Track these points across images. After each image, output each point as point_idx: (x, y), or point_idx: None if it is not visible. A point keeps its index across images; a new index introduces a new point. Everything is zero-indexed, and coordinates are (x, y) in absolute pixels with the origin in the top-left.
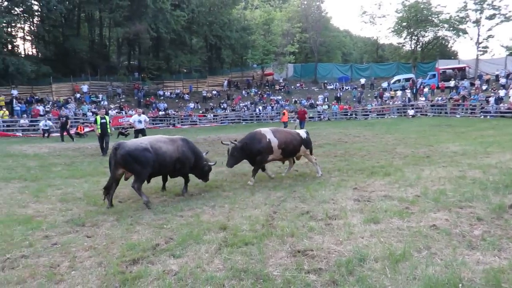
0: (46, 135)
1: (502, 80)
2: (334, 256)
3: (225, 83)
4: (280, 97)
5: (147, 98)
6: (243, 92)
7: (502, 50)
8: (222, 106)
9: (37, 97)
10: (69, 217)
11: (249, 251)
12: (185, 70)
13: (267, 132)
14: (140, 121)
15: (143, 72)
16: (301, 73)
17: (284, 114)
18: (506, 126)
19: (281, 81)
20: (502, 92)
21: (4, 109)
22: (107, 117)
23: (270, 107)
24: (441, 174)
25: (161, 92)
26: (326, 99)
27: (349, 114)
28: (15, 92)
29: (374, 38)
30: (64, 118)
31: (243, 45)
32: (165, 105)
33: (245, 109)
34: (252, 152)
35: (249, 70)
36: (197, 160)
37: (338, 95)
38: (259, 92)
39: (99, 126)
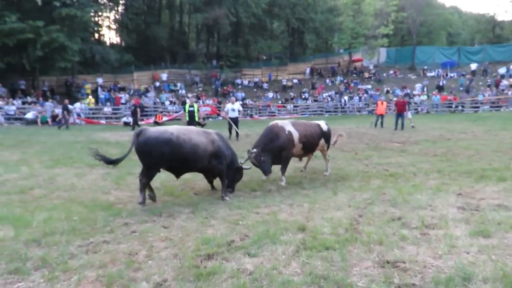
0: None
1: None
2: (431, 272)
3: (307, 70)
4: (369, 86)
5: (225, 87)
6: (327, 80)
7: None
8: (303, 96)
9: (120, 85)
10: (146, 206)
11: (330, 257)
12: (264, 57)
13: (285, 124)
14: (233, 110)
15: (221, 59)
16: (395, 59)
17: (381, 104)
18: None
19: (371, 68)
20: None
21: (90, 96)
22: (195, 105)
23: (357, 98)
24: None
25: (239, 81)
26: (425, 88)
27: (453, 106)
28: (100, 80)
29: (490, 15)
30: (133, 107)
31: (328, 28)
32: (243, 94)
33: (329, 99)
34: (273, 151)
35: (335, 56)
36: (232, 161)
37: (441, 84)
38: (345, 81)
39: (187, 114)
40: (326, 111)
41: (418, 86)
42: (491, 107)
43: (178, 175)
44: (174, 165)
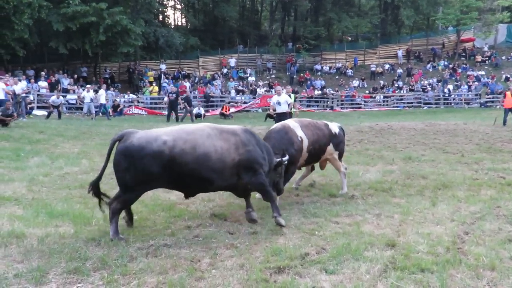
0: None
1: None
2: None
3: (399, 53)
4: (482, 72)
5: (301, 74)
6: (428, 65)
7: None
8: (396, 85)
9: (184, 72)
10: (211, 208)
11: (426, 280)
12: (349, 39)
13: (296, 127)
14: (279, 103)
15: (298, 42)
16: None
17: (511, 95)
18: None
19: (485, 49)
20: None
21: (154, 84)
22: (292, 96)
23: (465, 87)
24: None
25: (318, 67)
26: None
27: None
28: (163, 67)
29: None
30: (174, 95)
31: (431, 1)
32: (323, 82)
33: (429, 88)
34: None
35: (438, 35)
36: (270, 163)
37: None
38: (450, 66)
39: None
40: (425, 103)
41: None
42: None
43: (188, 195)
44: (174, 186)
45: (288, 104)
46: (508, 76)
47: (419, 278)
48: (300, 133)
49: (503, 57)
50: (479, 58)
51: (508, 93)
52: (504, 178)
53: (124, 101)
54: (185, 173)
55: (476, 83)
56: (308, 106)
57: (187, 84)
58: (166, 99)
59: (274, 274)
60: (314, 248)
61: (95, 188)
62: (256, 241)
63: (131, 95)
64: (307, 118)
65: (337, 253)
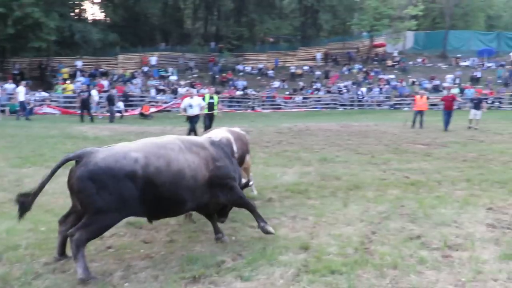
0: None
1: None
2: None
3: (319, 56)
4: (392, 76)
5: (224, 74)
6: (344, 68)
7: None
8: (314, 86)
9: (102, 69)
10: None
11: (335, 283)
12: (271, 40)
13: (232, 140)
14: (191, 106)
15: (220, 41)
16: (424, 44)
17: (421, 98)
18: None
19: (395, 54)
20: None
21: (68, 82)
22: (215, 97)
23: (377, 89)
24: None
25: (240, 67)
26: (457, 80)
27: (490, 102)
28: (79, 64)
29: None
30: (86, 93)
31: (347, 7)
32: (245, 83)
33: (345, 90)
34: None
35: (353, 40)
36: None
37: (476, 75)
38: (364, 69)
39: (206, 106)
40: (341, 105)
41: (449, 77)
42: None
43: (152, 219)
44: (147, 211)
45: (201, 107)
46: (415, 80)
47: (329, 281)
48: (234, 146)
49: (410, 62)
50: (389, 62)
51: (418, 96)
52: (408, 178)
53: (34, 99)
54: (161, 194)
55: (387, 86)
56: (229, 106)
57: (105, 82)
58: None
59: (189, 284)
60: (231, 255)
61: (29, 202)
62: (173, 249)
63: (43, 93)
64: (226, 127)
65: (252, 259)
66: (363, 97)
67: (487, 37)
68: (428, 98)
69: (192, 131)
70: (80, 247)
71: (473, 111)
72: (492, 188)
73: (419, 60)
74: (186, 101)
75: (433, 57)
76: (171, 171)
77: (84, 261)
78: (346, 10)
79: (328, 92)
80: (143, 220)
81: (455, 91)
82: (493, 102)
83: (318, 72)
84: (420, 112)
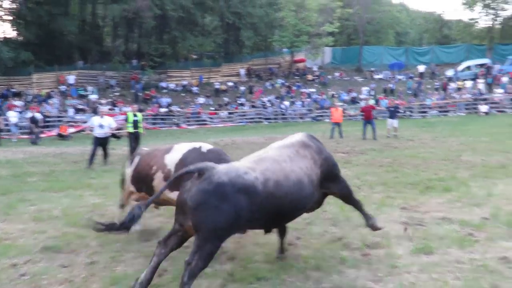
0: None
1: None
2: None
3: (243, 72)
4: (313, 90)
5: (147, 92)
6: (267, 83)
7: None
8: (239, 101)
9: (15, 89)
10: (43, 240)
11: None
12: (194, 57)
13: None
14: (101, 126)
15: (142, 59)
16: (341, 59)
17: (336, 110)
18: None
19: (315, 69)
20: None
21: None
22: (139, 115)
23: (300, 103)
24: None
25: (164, 84)
26: (372, 92)
27: (402, 111)
28: None
29: (437, 13)
30: None
31: (268, 25)
32: (169, 99)
33: (269, 105)
34: None
35: (275, 55)
36: None
37: (389, 87)
38: (286, 84)
39: (130, 124)
40: (265, 118)
41: (365, 89)
42: (440, 111)
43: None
44: (264, 224)
45: (111, 128)
46: (334, 93)
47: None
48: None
49: (329, 76)
50: (310, 77)
51: (334, 109)
52: None
53: None
54: (282, 206)
55: (308, 99)
56: (154, 124)
57: (20, 103)
58: None
59: None
60: (156, 272)
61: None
62: (94, 271)
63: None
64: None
65: (179, 274)
66: (287, 111)
67: (397, 52)
68: (344, 110)
69: (134, 149)
70: (193, 278)
71: (389, 120)
72: (405, 189)
73: (337, 74)
74: (96, 120)
75: (349, 71)
76: (291, 182)
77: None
78: (266, 27)
79: (253, 106)
80: (62, 243)
81: (371, 102)
82: (404, 112)
83: (242, 88)
84: (337, 124)
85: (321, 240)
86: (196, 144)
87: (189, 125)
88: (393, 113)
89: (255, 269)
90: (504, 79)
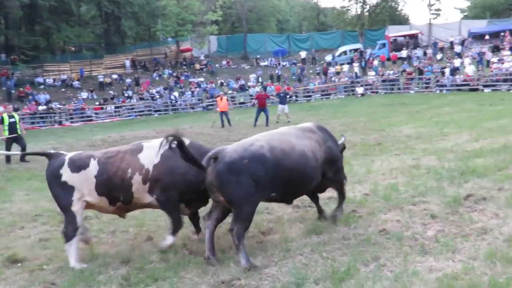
0: None
1: (457, 48)
2: (267, 283)
3: (128, 63)
4: (202, 79)
5: (21, 88)
6: (154, 74)
7: (456, 13)
8: (126, 94)
9: None
10: None
11: None
12: (73, 49)
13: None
14: None
15: (12, 53)
16: (227, 48)
17: (221, 100)
18: (463, 101)
19: (202, 58)
20: (457, 62)
21: None
22: (16, 115)
23: (189, 93)
24: (393, 164)
25: (40, 79)
26: (259, 78)
27: (288, 96)
28: None
29: (314, 1)
30: None
31: (150, 13)
32: (47, 96)
33: (158, 96)
34: None
35: (160, 45)
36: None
37: (275, 73)
38: (174, 74)
39: (6, 127)
40: (155, 111)
41: (252, 76)
42: (322, 95)
43: (287, 201)
44: (280, 193)
45: None
46: (223, 81)
47: None
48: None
49: (217, 65)
50: (197, 66)
51: (218, 98)
52: None
53: None
54: (291, 174)
55: (198, 89)
56: (32, 123)
57: None
58: None
59: None
60: (42, 285)
61: None
62: None
63: None
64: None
65: (68, 285)
66: (177, 101)
67: (279, 39)
68: (230, 98)
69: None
70: (240, 239)
71: (280, 106)
72: None
73: (224, 62)
74: None
75: (236, 59)
76: (297, 153)
77: (245, 251)
78: (149, 16)
79: (141, 99)
80: None
81: (258, 89)
82: (291, 97)
83: (128, 80)
84: (224, 112)
85: (217, 232)
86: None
87: (72, 122)
88: (283, 98)
89: (151, 270)
90: (376, 62)
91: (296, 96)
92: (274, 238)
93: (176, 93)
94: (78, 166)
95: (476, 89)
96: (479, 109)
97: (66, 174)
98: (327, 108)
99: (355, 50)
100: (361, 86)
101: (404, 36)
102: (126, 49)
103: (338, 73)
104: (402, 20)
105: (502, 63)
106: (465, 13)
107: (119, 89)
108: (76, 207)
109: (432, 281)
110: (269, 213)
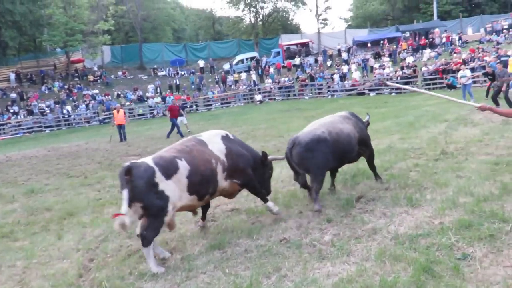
0: None
1: (344, 55)
2: None
3: (13, 76)
4: (97, 91)
5: None
6: (43, 87)
7: (341, 23)
8: (11, 110)
9: None
10: None
11: None
12: None
13: None
14: None
15: None
16: (122, 58)
17: (117, 113)
18: (352, 104)
19: (95, 69)
20: (345, 68)
21: None
22: None
23: (83, 106)
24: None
25: None
26: (158, 89)
27: (188, 106)
28: None
29: (208, 10)
30: None
31: (34, 23)
32: None
33: (48, 111)
34: None
35: (48, 57)
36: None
37: (174, 83)
38: (66, 86)
39: None
40: (46, 126)
41: (150, 87)
42: (222, 103)
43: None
44: (335, 162)
45: None
46: (119, 93)
47: None
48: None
49: (112, 76)
50: (91, 77)
51: (115, 111)
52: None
53: None
54: (343, 149)
55: (93, 101)
56: None
57: None
58: None
59: None
60: None
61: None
62: None
63: None
64: None
65: None
66: (70, 116)
67: (176, 48)
68: (125, 112)
69: None
70: (317, 192)
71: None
72: None
73: (120, 73)
74: None
75: (132, 69)
76: (345, 134)
77: (319, 198)
78: (33, 26)
79: (29, 114)
80: None
81: (158, 99)
82: (191, 106)
83: (13, 95)
84: (121, 126)
85: (117, 256)
86: (221, 132)
87: None
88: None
89: None
90: (272, 70)
91: (197, 106)
92: (177, 258)
93: (68, 107)
94: (169, 171)
95: (363, 93)
96: (366, 112)
97: (163, 183)
98: (227, 117)
99: (252, 58)
100: (259, 93)
101: (296, 44)
102: (9, 61)
103: (236, 81)
104: (294, 29)
105: (383, 69)
106: (349, 23)
107: (3, 105)
108: (169, 216)
109: (329, 286)
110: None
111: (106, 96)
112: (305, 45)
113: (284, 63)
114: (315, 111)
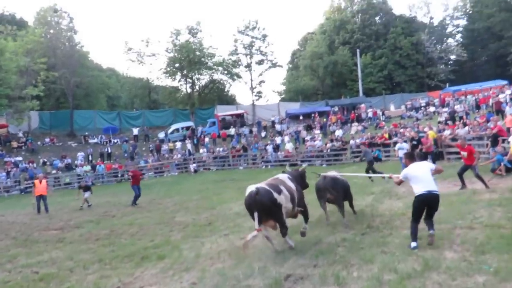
0: None
1: (278, 126)
2: None
3: None
4: (20, 158)
5: None
6: None
7: (275, 96)
8: None
9: None
10: None
11: None
12: None
13: None
14: None
15: None
16: (51, 124)
17: (40, 183)
18: None
19: (21, 135)
20: (278, 139)
21: None
22: None
23: (4, 174)
24: (222, 246)
25: None
26: (89, 157)
27: (120, 175)
28: None
29: (145, 79)
30: None
31: None
32: None
33: None
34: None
35: None
36: None
37: (106, 151)
38: None
39: None
40: None
41: (80, 154)
42: (155, 173)
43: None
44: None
45: None
46: (45, 160)
47: None
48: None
49: (39, 142)
50: (15, 144)
51: (37, 181)
52: (37, 273)
53: None
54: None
55: (15, 169)
56: None
57: None
58: None
59: None
60: None
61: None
62: None
63: None
64: None
65: None
66: None
67: (110, 116)
68: (48, 183)
69: None
70: (343, 212)
71: (85, 193)
72: (122, 264)
73: (47, 139)
74: None
75: (61, 136)
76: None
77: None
78: None
79: None
80: None
81: (87, 168)
82: (123, 175)
83: None
84: (42, 197)
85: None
86: (283, 175)
87: None
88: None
89: None
90: (207, 139)
91: (128, 175)
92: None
93: None
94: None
95: (296, 164)
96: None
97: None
98: (160, 187)
99: (187, 127)
100: (194, 163)
101: (232, 115)
102: None
103: (171, 150)
104: (230, 100)
105: (314, 141)
106: (282, 96)
107: None
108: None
109: None
110: None
111: (31, 164)
112: (240, 116)
113: (219, 133)
114: (248, 181)
